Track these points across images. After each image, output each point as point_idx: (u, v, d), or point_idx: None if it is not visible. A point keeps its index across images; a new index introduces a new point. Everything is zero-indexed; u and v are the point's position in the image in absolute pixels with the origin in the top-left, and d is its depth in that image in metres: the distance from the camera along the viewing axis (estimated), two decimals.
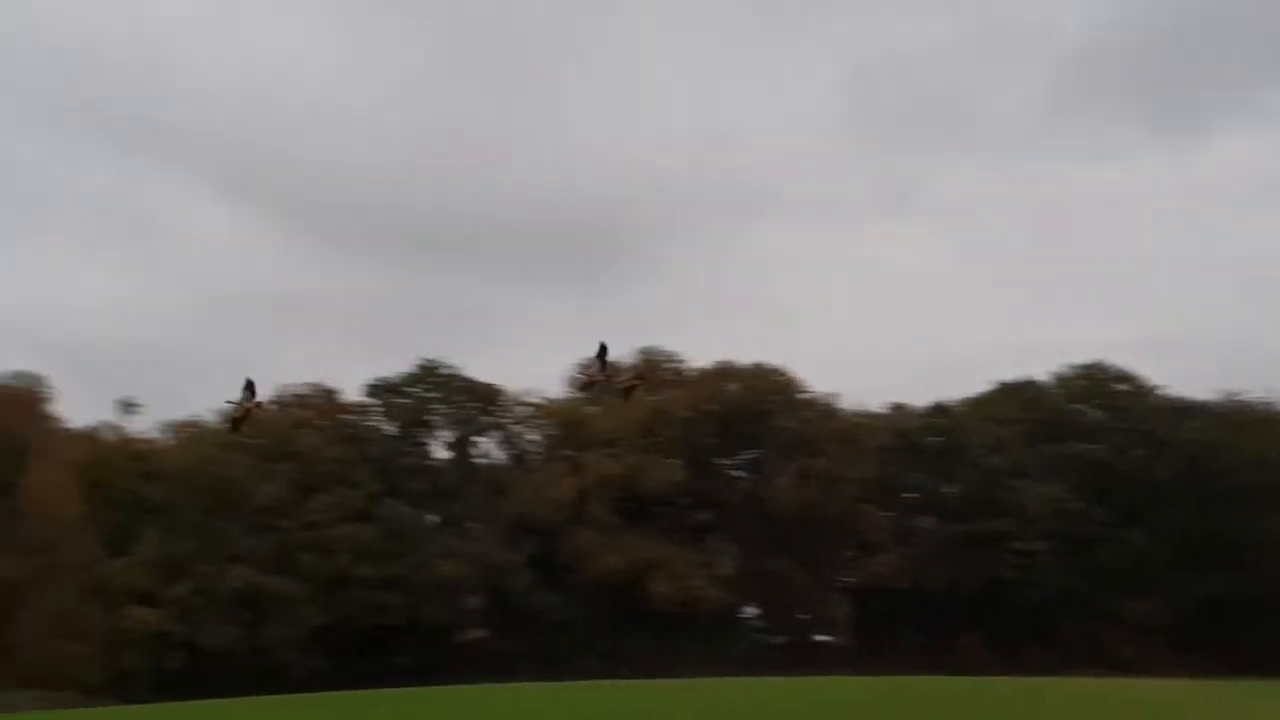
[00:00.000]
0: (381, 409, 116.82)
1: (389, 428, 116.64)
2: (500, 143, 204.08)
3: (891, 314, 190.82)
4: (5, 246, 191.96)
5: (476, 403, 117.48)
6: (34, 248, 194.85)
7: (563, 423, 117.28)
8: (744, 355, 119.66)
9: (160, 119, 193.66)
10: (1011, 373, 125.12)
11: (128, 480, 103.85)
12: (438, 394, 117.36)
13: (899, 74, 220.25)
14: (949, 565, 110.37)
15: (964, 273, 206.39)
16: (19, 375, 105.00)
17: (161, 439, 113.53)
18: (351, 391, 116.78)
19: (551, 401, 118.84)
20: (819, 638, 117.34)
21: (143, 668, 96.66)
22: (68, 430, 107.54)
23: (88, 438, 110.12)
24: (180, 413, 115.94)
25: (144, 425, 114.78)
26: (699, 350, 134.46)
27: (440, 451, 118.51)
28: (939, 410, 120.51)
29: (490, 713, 55.73)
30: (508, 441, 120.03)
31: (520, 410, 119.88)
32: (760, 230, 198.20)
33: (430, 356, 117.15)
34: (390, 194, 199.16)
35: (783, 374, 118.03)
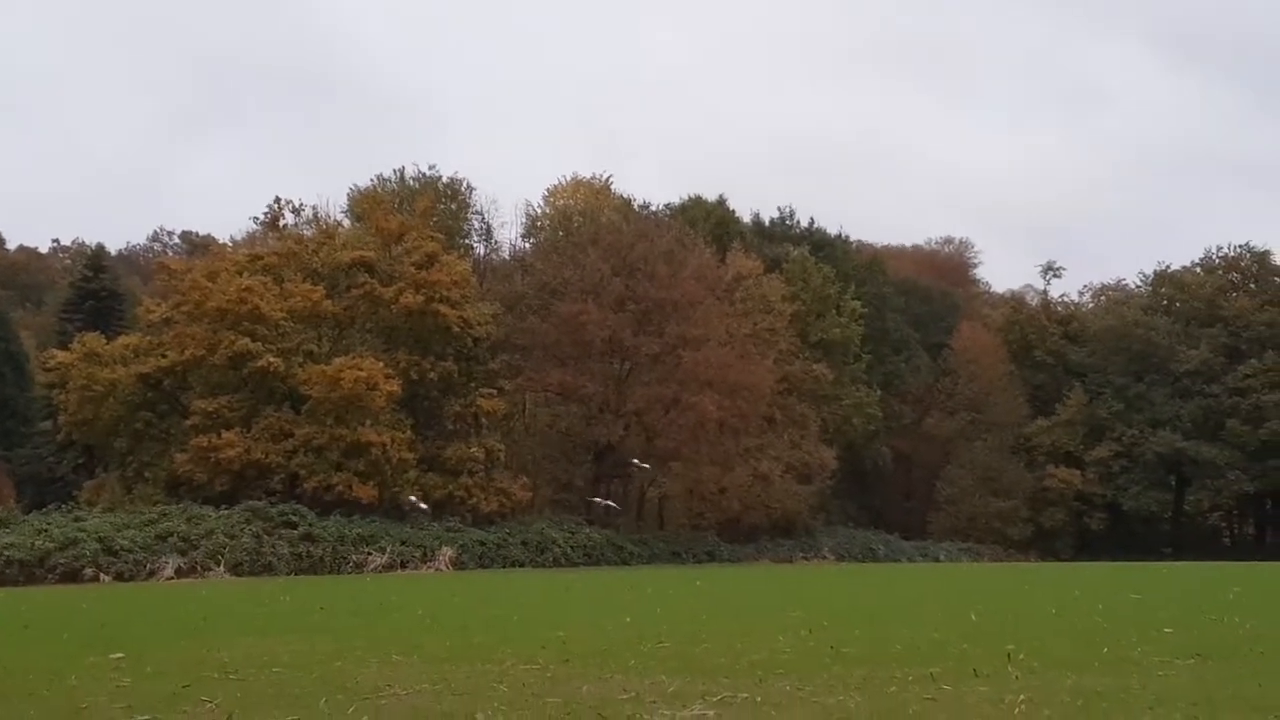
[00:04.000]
0: None
1: None
2: None
3: None
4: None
5: None
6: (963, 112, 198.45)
7: None
8: None
9: None
10: None
11: (1050, 343, 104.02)
12: None
13: None
14: None
15: None
16: (948, 240, 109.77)
17: (1083, 302, 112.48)
18: None
19: None
20: None
21: (1064, 526, 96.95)
22: (992, 293, 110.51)
23: (1011, 300, 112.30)
24: (1102, 276, 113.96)
25: (1066, 288, 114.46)
26: None
27: None
28: None
29: None
30: None
31: None
32: None
33: None
34: None
35: None
